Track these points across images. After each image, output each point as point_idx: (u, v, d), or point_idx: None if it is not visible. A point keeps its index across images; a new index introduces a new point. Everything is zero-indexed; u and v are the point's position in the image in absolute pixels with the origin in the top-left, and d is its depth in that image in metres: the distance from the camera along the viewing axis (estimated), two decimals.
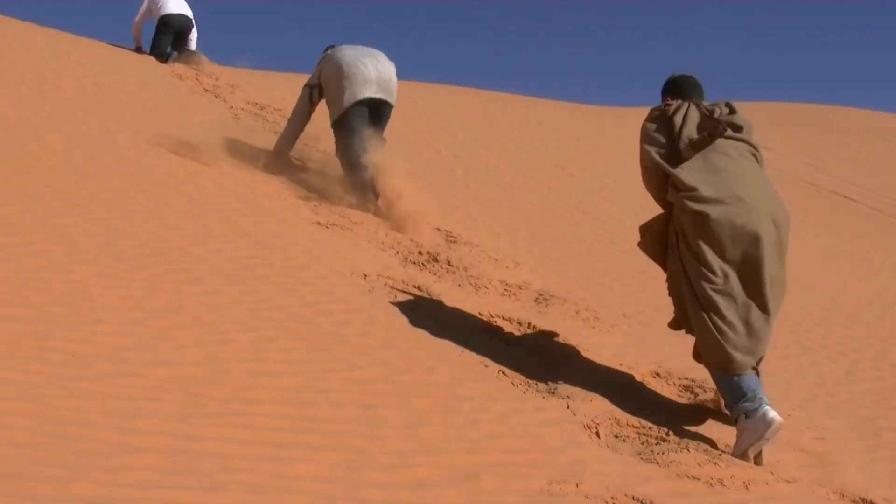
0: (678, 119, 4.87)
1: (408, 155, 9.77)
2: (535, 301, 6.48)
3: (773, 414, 4.65)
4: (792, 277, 8.94)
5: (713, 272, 4.71)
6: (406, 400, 4.56)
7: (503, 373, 5.17)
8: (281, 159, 7.97)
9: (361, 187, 7.44)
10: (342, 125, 7.60)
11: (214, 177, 7.26)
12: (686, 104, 4.98)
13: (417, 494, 3.75)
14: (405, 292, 5.97)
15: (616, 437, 4.74)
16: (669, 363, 5.94)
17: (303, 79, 8.47)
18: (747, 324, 4.73)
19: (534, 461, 4.25)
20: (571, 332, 6.07)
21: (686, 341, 6.54)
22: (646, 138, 4.95)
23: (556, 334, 5.94)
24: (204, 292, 5.21)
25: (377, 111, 7.70)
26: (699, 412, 5.28)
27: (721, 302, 4.71)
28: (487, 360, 5.28)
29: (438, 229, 7.52)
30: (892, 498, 4.69)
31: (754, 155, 4.96)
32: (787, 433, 5.23)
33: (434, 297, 5.98)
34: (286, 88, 10.78)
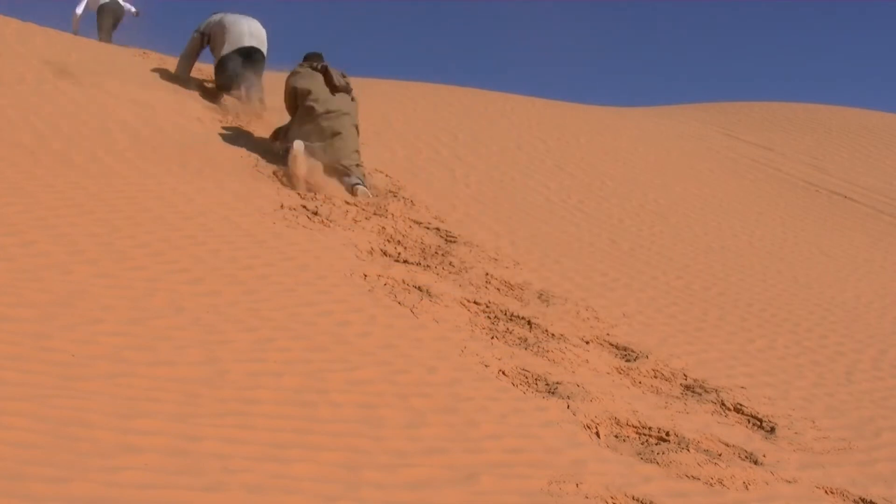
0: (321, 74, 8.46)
1: (408, 155, 9.79)
2: (535, 301, 6.48)
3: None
4: (792, 277, 8.98)
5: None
6: (406, 400, 4.56)
7: (503, 373, 5.17)
8: (181, 77, 10.27)
9: (238, 96, 9.76)
10: (223, 66, 9.87)
11: (214, 177, 7.26)
12: (325, 65, 8.52)
13: (417, 494, 3.75)
14: (405, 292, 5.97)
15: (616, 437, 4.74)
16: (669, 363, 5.94)
17: None
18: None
19: (534, 461, 4.25)
20: (571, 332, 6.07)
21: (685, 341, 6.54)
22: (299, 79, 8.44)
23: (556, 334, 5.94)
24: (204, 292, 5.21)
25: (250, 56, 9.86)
26: (699, 412, 5.28)
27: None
28: (487, 360, 5.28)
29: (438, 229, 7.52)
30: (891, 498, 4.69)
31: (352, 97, 8.54)
32: (788, 433, 5.24)
33: (434, 297, 5.98)
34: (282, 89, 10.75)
